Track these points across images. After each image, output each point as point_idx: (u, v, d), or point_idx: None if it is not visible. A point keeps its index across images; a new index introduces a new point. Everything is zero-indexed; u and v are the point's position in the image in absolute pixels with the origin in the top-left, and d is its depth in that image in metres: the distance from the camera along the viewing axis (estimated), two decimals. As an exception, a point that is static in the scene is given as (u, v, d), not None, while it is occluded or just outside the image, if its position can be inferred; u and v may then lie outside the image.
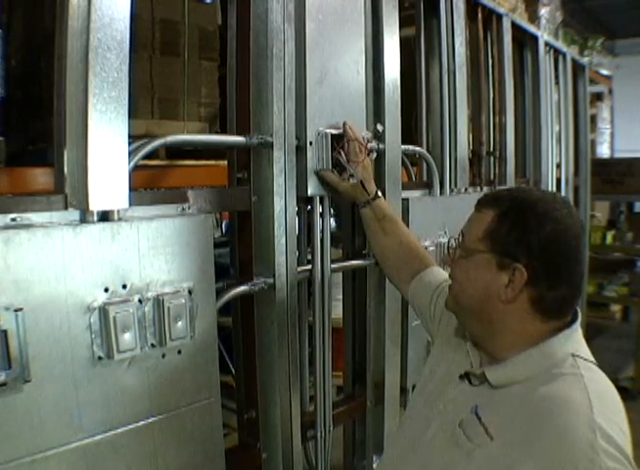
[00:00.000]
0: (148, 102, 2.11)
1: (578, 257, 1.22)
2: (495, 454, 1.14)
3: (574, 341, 1.23)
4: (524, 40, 3.67)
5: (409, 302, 1.82)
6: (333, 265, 2.00)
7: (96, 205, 1.29)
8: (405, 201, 2.28)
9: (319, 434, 1.99)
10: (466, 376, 1.29)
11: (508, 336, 1.23)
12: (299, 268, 1.86)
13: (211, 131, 2.27)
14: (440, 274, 1.73)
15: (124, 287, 1.33)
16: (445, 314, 1.54)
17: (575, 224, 1.22)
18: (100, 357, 1.30)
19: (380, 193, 1.87)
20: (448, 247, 1.36)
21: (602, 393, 1.15)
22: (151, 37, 2.11)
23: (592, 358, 1.23)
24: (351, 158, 1.79)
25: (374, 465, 2.32)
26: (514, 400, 1.17)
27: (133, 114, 1.87)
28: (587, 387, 1.12)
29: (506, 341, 1.24)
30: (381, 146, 2.11)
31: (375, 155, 2.05)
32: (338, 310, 2.31)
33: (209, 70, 2.28)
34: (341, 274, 2.32)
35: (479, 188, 2.99)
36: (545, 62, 3.81)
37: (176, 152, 2.06)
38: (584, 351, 1.23)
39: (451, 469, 1.22)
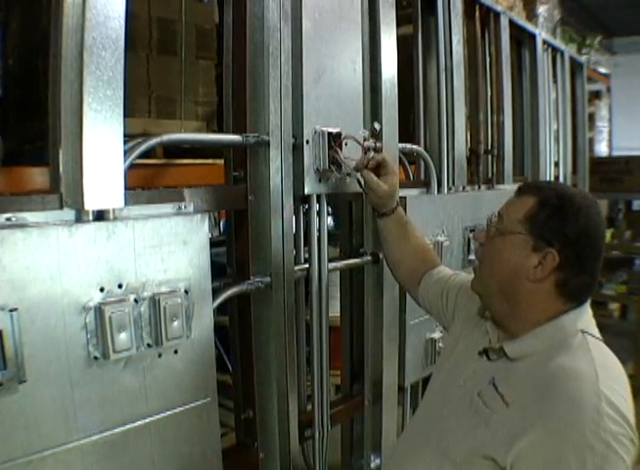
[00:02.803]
0: (145, 101, 2.10)
1: (601, 252, 1.34)
2: (510, 419, 1.24)
3: (584, 319, 1.35)
4: (521, 38, 3.66)
5: (420, 300, 1.89)
6: (330, 264, 2.00)
7: (91, 204, 1.28)
8: (403, 199, 2.27)
9: (317, 433, 1.99)
10: (484, 352, 1.41)
11: (529, 313, 1.35)
12: (297, 267, 1.86)
13: (209, 130, 2.27)
14: (447, 270, 1.87)
15: (120, 287, 1.33)
16: (461, 301, 1.68)
17: (603, 224, 1.37)
18: (96, 357, 1.29)
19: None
20: (488, 224, 1.45)
21: (607, 365, 1.26)
22: (148, 36, 2.10)
23: (600, 336, 1.35)
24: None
25: (371, 465, 2.32)
26: (528, 371, 1.29)
27: (130, 112, 1.88)
28: (594, 360, 1.24)
29: (527, 318, 1.35)
30: (378, 144, 2.11)
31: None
32: (335, 309, 2.30)
33: (207, 69, 2.28)
34: (338, 273, 2.32)
35: (477, 187, 2.99)
36: (543, 60, 3.80)
37: (174, 151, 2.06)
38: (593, 328, 1.35)
39: (471, 434, 1.32)
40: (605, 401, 1.16)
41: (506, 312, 1.40)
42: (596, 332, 1.35)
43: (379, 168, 1.80)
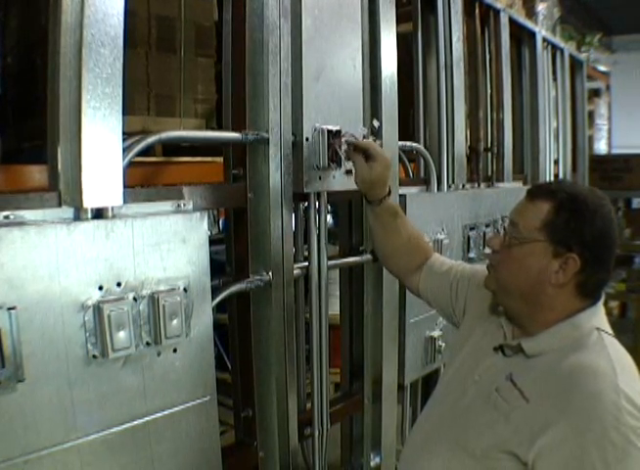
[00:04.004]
0: (144, 98, 2.09)
1: (616, 247, 1.38)
2: (532, 415, 1.27)
3: (598, 316, 1.38)
4: (521, 36, 3.66)
5: (420, 292, 1.87)
6: (330, 262, 1.99)
7: (90, 202, 1.27)
8: (402, 197, 2.27)
9: (316, 432, 1.98)
10: (500, 348, 1.43)
11: (548, 313, 1.37)
12: (296, 265, 1.86)
13: (208, 128, 2.26)
14: (445, 260, 1.88)
15: (119, 285, 1.32)
16: (471, 295, 1.69)
17: (615, 219, 1.39)
18: (94, 356, 1.28)
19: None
20: (505, 231, 1.45)
21: (623, 362, 1.30)
22: (147, 34, 2.09)
23: (612, 332, 1.38)
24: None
25: (371, 463, 2.31)
26: (546, 368, 1.32)
27: (129, 110, 1.87)
28: (611, 357, 1.28)
29: (545, 318, 1.37)
30: (378, 142, 2.10)
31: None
32: (335, 307, 2.30)
33: (206, 67, 2.27)
34: (338, 271, 2.32)
35: (476, 184, 2.98)
36: (543, 58, 3.80)
37: (174, 149, 2.05)
38: (606, 325, 1.39)
39: (490, 428, 1.34)
40: (624, 398, 1.20)
41: (524, 312, 1.41)
42: (609, 328, 1.38)
43: (367, 157, 1.75)
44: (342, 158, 1.78)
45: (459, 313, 1.74)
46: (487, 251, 1.51)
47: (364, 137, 1.90)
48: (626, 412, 1.18)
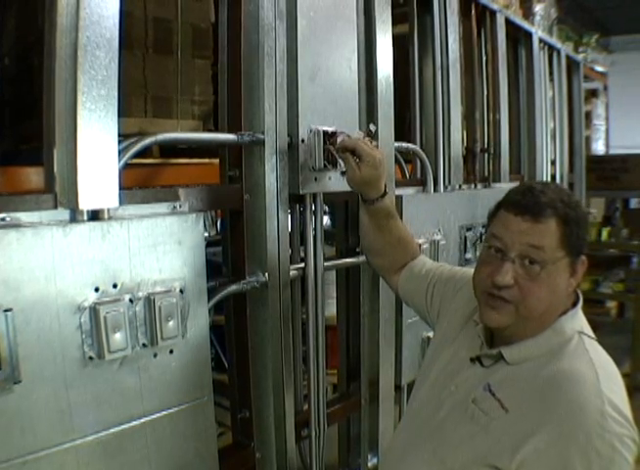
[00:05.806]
0: (141, 100, 2.09)
1: None
2: (512, 425, 1.23)
3: (579, 319, 1.34)
4: (518, 37, 3.67)
5: (399, 292, 1.82)
6: (326, 263, 2.00)
7: (86, 204, 1.28)
8: (399, 198, 2.28)
9: (313, 433, 1.99)
10: (477, 359, 1.38)
11: (546, 319, 1.31)
12: (292, 266, 1.86)
13: (205, 129, 2.26)
14: (427, 262, 1.82)
15: (115, 286, 1.33)
16: (446, 301, 1.64)
17: None
18: (91, 358, 1.29)
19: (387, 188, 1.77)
20: (512, 263, 1.29)
21: (605, 366, 1.26)
22: (144, 35, 2.09)
23: (593, 334, 1.34)
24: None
25: (368, 464, 2.32)
26: (527, 376, 1.28)
27: (127, 112, 1.87)
28: (593, 362, 1.24)
29: (540, 325, 1.31)
30: (374, 143, 2.10)
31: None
32: (331, 308, 2.30)
33: (203, 68, 2.27)
34: (334, 272, 2.32)
35: (473, 185, 2.99)
36: (540, 58, 3.81)
37: (171, 150, 2.05)
38: (587, 327, 1.35)
39: (468, 441, 1.30)
40: (608, 404, 1.17)
41: (520, 326, 1.31)
42: (590, 331, 1.35)
43: (357, 158, 1.66)
44: (338, 158, 1.78)
45: (433, 317, 1.70)
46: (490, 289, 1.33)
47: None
48: (611, 419, 1.15)
